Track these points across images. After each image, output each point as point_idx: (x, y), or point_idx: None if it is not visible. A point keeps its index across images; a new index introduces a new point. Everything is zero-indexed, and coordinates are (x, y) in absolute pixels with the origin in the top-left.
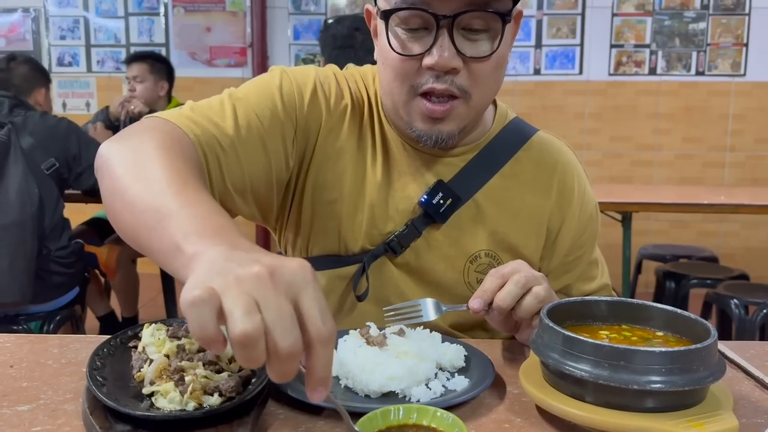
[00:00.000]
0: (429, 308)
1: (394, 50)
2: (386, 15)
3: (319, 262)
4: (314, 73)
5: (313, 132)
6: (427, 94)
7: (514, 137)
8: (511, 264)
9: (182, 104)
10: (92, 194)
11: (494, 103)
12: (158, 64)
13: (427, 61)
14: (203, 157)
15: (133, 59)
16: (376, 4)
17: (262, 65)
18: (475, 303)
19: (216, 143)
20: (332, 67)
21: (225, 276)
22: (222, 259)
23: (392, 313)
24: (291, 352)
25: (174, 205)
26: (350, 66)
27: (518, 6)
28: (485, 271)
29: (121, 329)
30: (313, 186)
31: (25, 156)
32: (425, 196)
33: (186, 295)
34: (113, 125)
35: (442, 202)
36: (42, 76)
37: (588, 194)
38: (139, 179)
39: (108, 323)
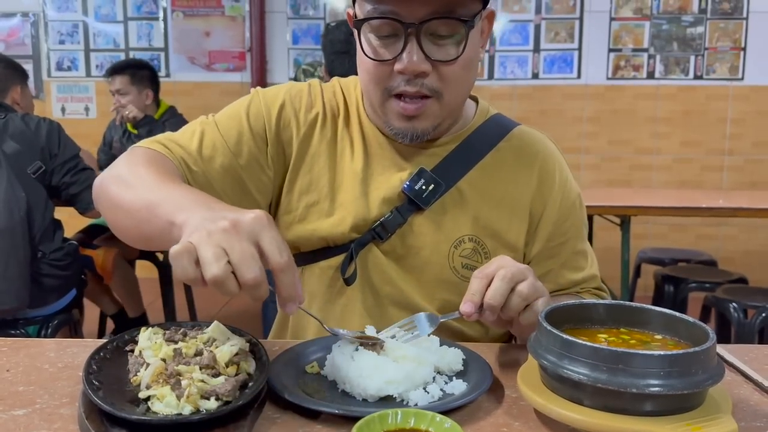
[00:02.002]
0: (424, 322)
1: (367, 56)
2: (359, 24)
3: (309, 256)
4: (285, 91)
5: (287, 143)
6: (400, 95)
7: (495, 130)
8: (495, 262)
9: (172, 107)
10: (56, 191)
11: (476, 100)
12: (139, 73)
13: (398, 66)
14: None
15: (113, 72)
16: (354, 7)
17: (261, 69)
18: (466, 307)
19: (183, 162)
20: (312, 82)
21: (200, 232)
22: (199, 220)
23: (389, 334)
24: (256, 282)
25: (160, 196)
26: (335, 79)
27: (489, 6)
28: (469, 256)
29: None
30: (295, 191)
31: (9, 161)
32: (408, 183)
33: (171, 251)
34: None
35: (424, 187)
36: (16, 73)
37: (570, 183)
38: (129, 188)
39: (121, 321)
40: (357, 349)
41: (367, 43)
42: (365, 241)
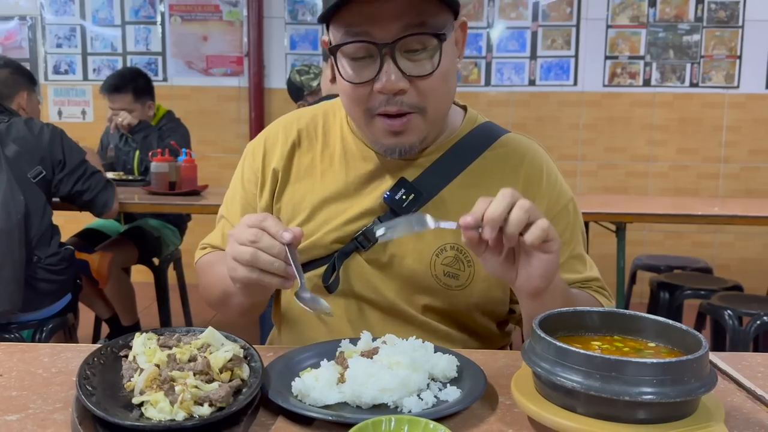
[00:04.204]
0: (424, 219)
1: (346, 80)
2: (333, 50)
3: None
4: (264, 138)
5: (276, 177)
6: (382, 115)
7: (482, 138)
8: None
9: (169, 112)
10: (70, 200)
11: (465, 108)
12: (139, 87)
13: (377, 86)
14: None
15: (113, 90)
16: (328, 35)
17: (258, 74)
18: (466, 218)
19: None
20: (290, 113)
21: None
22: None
23: (383, 230)
24: (255, 236)
25: (224, 275)
26: (322, 104)
27: (463, 17)
28: (451, 264)
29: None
30: (284, 216)
31: (10, 164)
32: (388, 193)
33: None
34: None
35: (404, 197)
36: (24, 79)
37: (559, 188)
38: (208, 287)
39: (116, 325)
40: (351, 357)
41: (344, 67)
42: (348, 251)
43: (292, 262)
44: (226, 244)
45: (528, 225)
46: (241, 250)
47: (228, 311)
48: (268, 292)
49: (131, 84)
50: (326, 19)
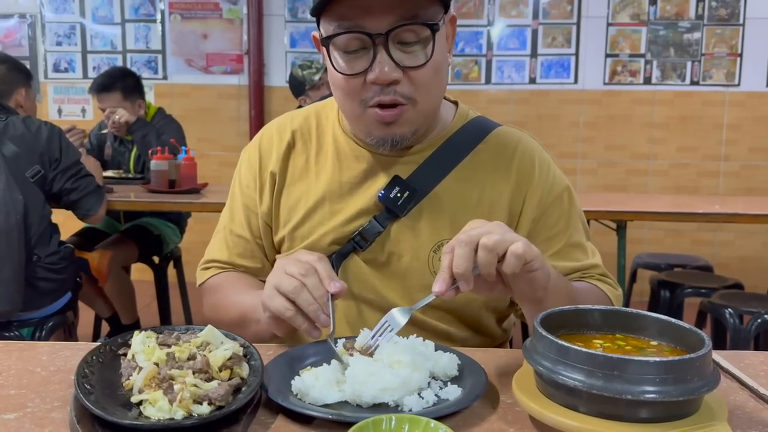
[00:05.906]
0: (395, 317)
1: (339, 72)
2: (326, 41)
3: None
4: (258, 143)
5: (274, 179)
6: (376, 106)
7: (474, 133)
8: (462, 230)
9: (160, 109)
10: (57, 198)
11: (456, 104)
12: (128, 86)
13: (370, 77)
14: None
15: (101, 90)
16: (319, 29)
17: (258, 72)
18: (437, 285)
19: (232, 267)
20: (282, 116)
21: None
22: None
23: (368, 341)
24: (304, 269)
25: (239, 300)
26: (312, 105)
27: (451, 11)
28: None
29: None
30: (280, 222)
31: (8, 163)
32: (382, 191)
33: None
34: (99, 145)
35: (399, 195)
36: (22, 76)
37: (553, 176)
38: (219, 309)
39: (116, 324)
40: (352, 354)
41: (336, 60)
42: (346, 252)
43: (330, 312)
44: (232, 255)
45: (503, 256)
46: (287, 280)
47: (242, 333)
48: (293, 332)
49: (120, 83)
50: (318, 11)
